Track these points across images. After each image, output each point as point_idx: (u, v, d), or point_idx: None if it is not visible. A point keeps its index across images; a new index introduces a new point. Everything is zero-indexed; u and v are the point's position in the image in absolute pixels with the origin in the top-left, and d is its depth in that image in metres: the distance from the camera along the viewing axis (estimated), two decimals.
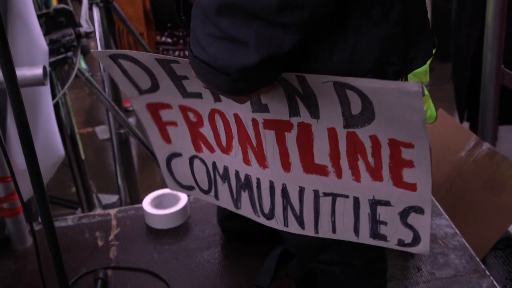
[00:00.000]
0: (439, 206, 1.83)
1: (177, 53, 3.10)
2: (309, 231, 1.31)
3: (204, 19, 0.96)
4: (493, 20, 2.05)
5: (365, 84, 1.02)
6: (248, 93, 1.05)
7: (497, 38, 2.06)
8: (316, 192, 1.25)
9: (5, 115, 1.69)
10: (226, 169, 1.40)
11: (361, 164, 1.15)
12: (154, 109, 1.41)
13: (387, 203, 1.18)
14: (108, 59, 1.29)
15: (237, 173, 1.37)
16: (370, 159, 1.14)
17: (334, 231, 1.28)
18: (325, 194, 1.24)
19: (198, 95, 1.29)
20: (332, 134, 1.14)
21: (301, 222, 1.31)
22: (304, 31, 0.95)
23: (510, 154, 2.06)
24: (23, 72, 1.41)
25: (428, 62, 1.85)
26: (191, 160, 1.47)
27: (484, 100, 2.19)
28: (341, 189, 1.21)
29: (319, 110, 1.12)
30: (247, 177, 1.35)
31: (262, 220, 1.38)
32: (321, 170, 1.21)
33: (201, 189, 1.51)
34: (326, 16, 0.98)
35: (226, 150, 1.35)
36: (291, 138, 1.19)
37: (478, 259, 1.62)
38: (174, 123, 1.42)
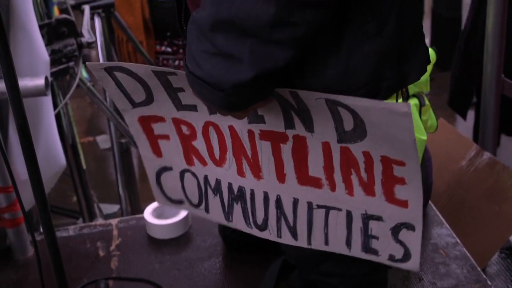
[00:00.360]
0: (440, 215, 1.83)
1: (177, 62, 3.11)
2: (302, 242, 1.32)
3: (199, 35, 0.97)
4: (493, 29, 2.06)
5: (356, 102, 1.02)
6: (243, 108, 1.05)
7: (497, 48, 2.07)
8: (310, 204, 1.26)
9: (7, 124, 1.69)
10: (218, 182, 1.40)
11: (354, 178, 1.16)
12: (147, 122, 1.41)
13: (379, 218, 1.19)
14: (102, 72, 1.28)
15: (230, 185, 1.38)
16: (363, 174, 1.14)
17: (327, 243, 1.28)
18: (319, 206, 1.25)
19: (193, 108, 1.29)
20: (326, 148, 1.15)
21: (294, 234, 1.32)
22: (298, 47, 0.96)
23: (511, 162, 2.06)
24: (25, 83, 1.42)
25: (429, 72, 1.85)
26: (182, 173, 1.47)
27: (485, 109, 2.19)
28: (335, 202, 1.22)
29: (314, 124, 1.12)
30: (241, 189, 1.35)
31: (255, 231, 1.39)
32: (315, 183, 1.21)
33: (191, 203, 1.51)
34: (320, 32, 0.98)
35: (219, 162, 1.36)
36: (286, 150, 1.20)
37: (479, 269, 1.62)
38: (166, 137, 1.42)
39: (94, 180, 3.12)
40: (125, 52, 2.96)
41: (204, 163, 1.39)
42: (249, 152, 1.26)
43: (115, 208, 2.86)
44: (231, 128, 1.25)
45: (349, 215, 1.22)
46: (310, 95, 1.06)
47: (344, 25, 1.02)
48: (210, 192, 1.44)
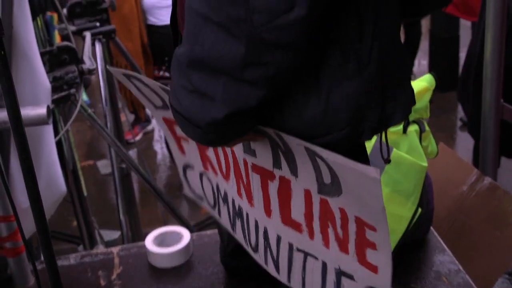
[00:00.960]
0: (442, 242, 1.82)
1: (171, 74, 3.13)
2: (282, 277, 1.32)
3: (179, 71, 0.98)
4: (492, 55, 2.07)
5: (330, 157, 1.00)
6: (222, 144, 1.06)
7: (496, 73, 2.08)
8: (291, 245, 1.25)
9: (8, 153, 1.69)
10: (225, 193, 1.44)
11: (330, 232, 1.14)
12: (169, 123, 1.47)
13: (351, 277, 1.17)
14: (123, 77, 1.37)
15: (233, 201, 1.40)
16: (339, 230, 1.12)
17: (303, 286, 1.28)
18: (298, 250, 1.24)
19: None
20: (307, 195, 1.14)
21: (277, 267, 1.32)
22: (270, 87, 0.95)
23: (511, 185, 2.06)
24: (27, 112, 1.42)
25: (428, 98, 1.87)
26: (201, 175, 1.53)
27: (484, 134, 2.20)
28: (312, 250, 1.21)
29: (298, 169, 1.11)
30: (240, 208, 1.37)
31: (249, 250, 1.40)
32: (297, 226, 1.21)
33: (209, 203, 1.57)
34: (293, 73, 0.97)
35: (226, 177, 1.39)
36: (273, 188, 1.20)
37: None
38: (186, 139, 1.48)
39: (94, 205, 3.12)
40: None
41: (215, 172, 1.43)
42: (244, 179, 1.27)
43: (115, 234, 2.85)
44: (232, 151, 1.26)
45: (324, 266, 1.21)
46: (291, 139, 1.05)
47: (323, 65, 1.00)
48: (220, 199, 1.48)
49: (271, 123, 1.06)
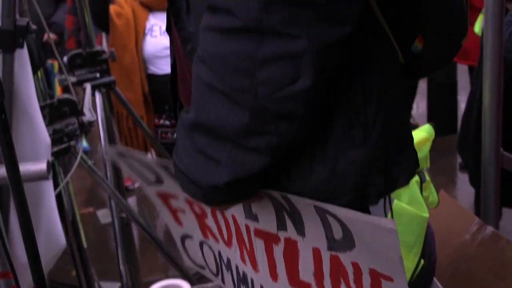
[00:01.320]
0: None
1: (175, 135, 3.14)
2: None
3: (183, 132, 0.99)
4: (490, 104, 2.08)
5: (343, 213, 1.00)
6: (223, 205, 1.06)
7: (495, 122, 2.08)
8: None
9: (8, 208, 1.69)
10: (228, 260, 1.41)
11: None
12: (164, 196, 1.45)
13: None
14: (116, 156, 1.36)
15: (236, 267, 1.38)
16: (352, 285, 1.11)
17: None
18: None
19: None
20: (316, 254, 1.12)
21: None
22: (274, 155, 0.96)
23: None
24: (27, 168, 1.42)
25: (428, 148, 1.87)
26: (201, 244, 1.50)
27: (485, 183, 2.19)
28: None
29: (305, 228, 1.10)
30: (244, 274, 1.35)
31: None
32: (306, 287, 1.19)
33: (211, 271, 1.54)
34: (297, 142, 0.98)
35: (228, 244, 1.36)
36: (278, 251, 1.19)
37: None
38: (182, 210, 1.46)
39: (94, 253, 3.09)
40: (125, 127, 2.99)
41: (216, 240, 1.41)
42: (247, 244, 1.25)
43: (115, 286, 2.82)
44: (233, 217, 1.25)
45: None
46: (299, 200, 1.05)
47: (328, 133, 1.01)
48: (223, 266, 1.45)
49: (276, 186, 1.06)
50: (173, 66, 1.25)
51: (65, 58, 2.60)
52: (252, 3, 0.85)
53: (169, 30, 1.21)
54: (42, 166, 1.44)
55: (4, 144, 1.09)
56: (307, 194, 1.04)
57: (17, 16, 1.59)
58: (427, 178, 1.83)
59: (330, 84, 0.95)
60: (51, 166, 1.47)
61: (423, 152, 1.82)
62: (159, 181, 1.37)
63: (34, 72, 1.80)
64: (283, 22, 0.86)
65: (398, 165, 1.05)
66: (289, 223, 1.12)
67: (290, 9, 0.86)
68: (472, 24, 3.19)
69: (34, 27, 1.63)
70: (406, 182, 1.07)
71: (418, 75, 1.25)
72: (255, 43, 0.87)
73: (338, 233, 1.06)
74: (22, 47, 1.59)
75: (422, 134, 1.84)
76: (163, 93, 3.04)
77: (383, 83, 1.02)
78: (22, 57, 1.61)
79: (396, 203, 1.68)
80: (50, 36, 2.14)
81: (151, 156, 3.66)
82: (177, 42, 1.16)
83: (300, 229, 1.12)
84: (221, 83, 0.91)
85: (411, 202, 1.74)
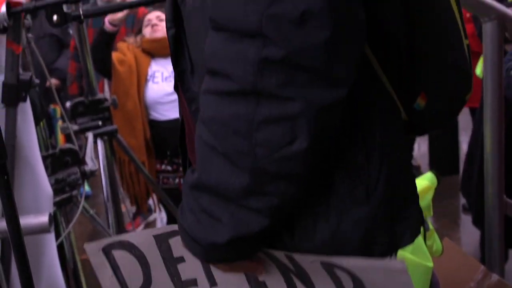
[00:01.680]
0: None
1: (177, 180, 3.15)
2: None
3: (187, 191, 1.00)
4: (492, 151, 2.08)
5: (351, 263, 1.00)
6: (225, 262, 1.05)
7: (497, 170, 2.08)
8: None
9: (10, 258, 1.68)
10: None
11: None
12: None
13: None
14: (100, 255, 1.27)
15: None
16: None
17: None
18: None
19: (193, 282, 1.26)
20: None
21: None
22: (275, 216, 0.96)
23: None
24: (28, 220, 1.42)
25: (431, 196, 1.86)
26: None
27: (489, 230, 2.18)
28: None
29: (315, 286, 1.09)
30: None
31: None
32: None
33: None
34: (298, 202, 0.98)
35: None
36: None
37: None
38: None
39: None
40: (127, 173, 3.00)
41: None
42: None
43: None
44: None
45: None
46: (304, 257, 1.04)
47: (331, 192, 1.01)
48: None
49: (279, 244, 1.05)
50: (182, 125, 1.25)
51: (67, 104, 2.62)
52: (248, 67, 0.87)
53: (176, 88, 1.22)
54: (44, 219, 1.44)
55: (4, 197, 1.10)
56: (311, 252, 1.03)
57: (20, 70, 1.61)
58: (431, 226, 1.82)
59: (331, 143, 0.95)
60: (53, 218, 1.47)
61: (425, 201, 1.81)
62: (146, 283, 1.26)
63: (37, 123, 1.81)
64: (279, 85, 0.87)
65: (403, 222, 1.04)
66: (298, 284, 1.11)
67: (285, 72, 0.86)
68: (473, 68, 3.21)
69: (37, 81, 1.65)
70: (411, 240, 1.05)
71: (421, 132, 1.25)
72: (252, 106, 0.88)
73: (348, 284, 1.04)
74: (25, 101, 1.60)
75: (424, 182, 1.83)
76: (165, 138, 3.05)
77: (386, 141, 1.02)
78: (25, 110, 1.62)
79: (399, 253, 1.66)
80: (52, 82, 2.16)
81: (152, 202, 3.66)
82: (183, 101, 1.17)
83: (310, 287, 1.10)
84: (221, 145, 0.92)
85: (415, 251, 1.71)
